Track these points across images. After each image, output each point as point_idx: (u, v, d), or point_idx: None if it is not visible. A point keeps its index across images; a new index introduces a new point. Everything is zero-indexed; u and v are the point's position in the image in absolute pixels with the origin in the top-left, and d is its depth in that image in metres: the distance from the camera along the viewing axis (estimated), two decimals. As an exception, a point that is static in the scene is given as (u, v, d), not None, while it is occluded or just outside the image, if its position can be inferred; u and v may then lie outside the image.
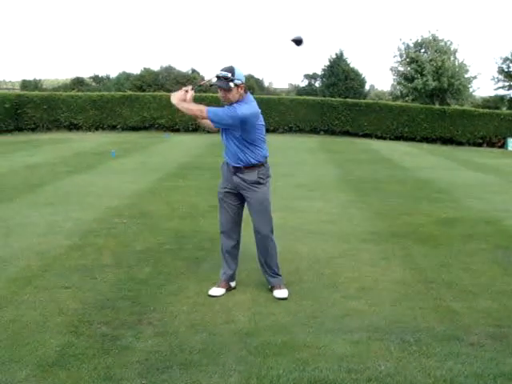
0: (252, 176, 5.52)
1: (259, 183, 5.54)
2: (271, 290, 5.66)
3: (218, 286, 5.65)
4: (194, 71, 63.20)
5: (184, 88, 5.48)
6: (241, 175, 5.52)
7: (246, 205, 5.71)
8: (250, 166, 5.49)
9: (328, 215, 9.45)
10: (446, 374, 4.04)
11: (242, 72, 5.32)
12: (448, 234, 8.30)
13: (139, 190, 11.46)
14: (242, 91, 5.33)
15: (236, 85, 5.26)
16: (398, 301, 5.51)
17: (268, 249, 5.67)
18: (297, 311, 5.19)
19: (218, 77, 5.28)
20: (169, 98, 5.52)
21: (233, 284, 5.76)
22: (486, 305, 5.45)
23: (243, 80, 5.32)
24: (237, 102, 5.32)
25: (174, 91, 5.51)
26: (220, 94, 5.37)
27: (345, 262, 6.82)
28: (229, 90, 5.26)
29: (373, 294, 5.71)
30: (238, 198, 5.67)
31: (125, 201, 10.22)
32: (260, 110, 5.50)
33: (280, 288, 5.62)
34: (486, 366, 4.17)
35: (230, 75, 5.22)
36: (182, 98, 5.41)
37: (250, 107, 5.34)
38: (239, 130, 5.33)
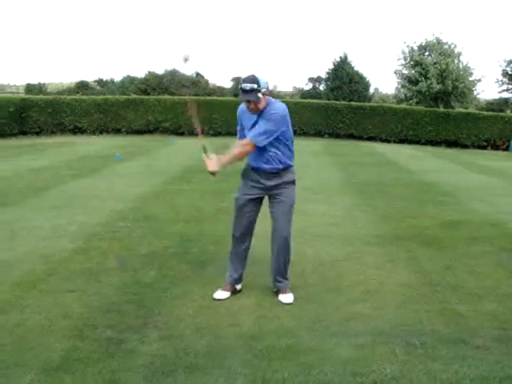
0: (290, 176, 5.60)
1: (294, 183, 5.63)
2: (276, 293, 5.65)
3: (224, 290, 5.64)
4: (198, 74, 63.26)
5: (206, 158, 5.52)
6: (279, 177, 5.53)
7: (270, 207, 5.65)
8: (288, 167, 5.55)
9: (333, 218, 9.44)
10: (452, 377, 4.03)
11: (263, 78, 5.31)
12: (453, 237, 8.29)
13: (144, 194, 11.47)
14: (266, 96, 5.34)
15: (263, 94, 5.26)
16: (403, 304, 5.50)
17: (288, 251, 5.69)
18: (302, 315, 5.19)
19: (245, 90, 5.23)
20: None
21: (238, 287, 5.75)
22: (491, 307, 5.44)
23: (267, 86, 5.31)
24: (265, 107, 5.33)
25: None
26: (250, 107, 5.32)
27: (349, 264, 6.81)
28: (258, 101, 5.25)
29: (378, 297, 5.70)
30: (258, 204, 5.67)
31: (129, 204, 10.23)
32: None
33: (286, 292, 5.61)
34: (492, 368, 4.17)
35: (256, 86, 5.19)
36: (216, 162, 5.46)
37: (280, 104, 5.45)
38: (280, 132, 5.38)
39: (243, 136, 5.51)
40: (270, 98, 5.43)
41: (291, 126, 5.54)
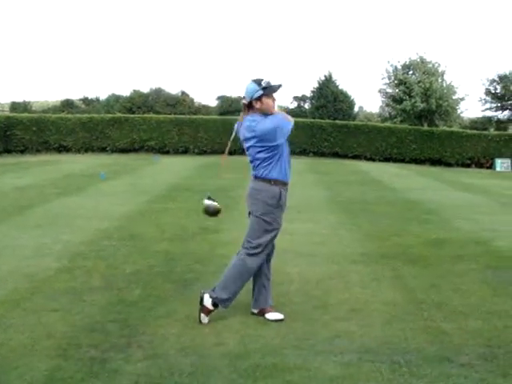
0: None
1: None
2: (260, 313, 5.60)
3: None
4: (183, 93, 63.33)
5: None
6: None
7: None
8: None
9: (317, 236, 9.45)
10: (437, 395, 4.03)
11: None
12: (437, 255, 8.31)
13: (129, 212, 11.44)
14: None
15: None
16: (388, 322, 5.50)
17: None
18: (287, 333, 5.17)
19: (270, 85, 5.26)
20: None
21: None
22: (476, 325, 5.44)
23: None
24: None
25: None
26: (273, 104, 5.32)
27: (335, 283, 6.81)
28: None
29: (363, 315, 5.69)
30: None
31: (114, 223, 10.19)
32: None
33: (272, 311, 5.57)
34: (477, 387, 4.17)
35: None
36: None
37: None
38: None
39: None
40: None
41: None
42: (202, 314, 5.37)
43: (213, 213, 5.68)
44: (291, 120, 5.41)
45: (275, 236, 5.48)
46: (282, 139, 5.28)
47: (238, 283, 5.41)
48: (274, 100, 5.31)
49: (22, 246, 8.22)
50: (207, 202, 5.63)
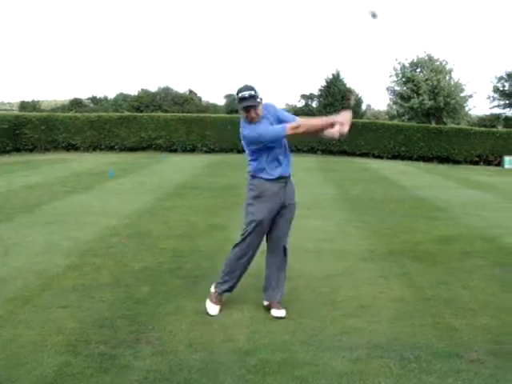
0: (293, 183, 5.73)
1: None
2: (268, 307, 5.63)
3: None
4: (191, 92, 63.45)
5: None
6: (291, 184, 5.65)
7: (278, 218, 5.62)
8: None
9: (325, 234, 9.44)
10: (446, 390, 4.03)
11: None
12: (446, 252, 8.30)
13: (137, 210, 11.45)
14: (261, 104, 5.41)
15: (261, 99, 5.34)
16: (396, 318, 5.50)
17: (287, 261, 5.79)
18: (295, 329, 5.18)
19: (243, 98, 5.26)
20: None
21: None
22: (485, 321, 5.44)
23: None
24: (263, 114, 5.42)
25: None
26: (251, 116, 5.33)
27: (343, 280, 6.81)
28: (258, 105, 5.31)
29: (371, 311, 5.69)
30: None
31: (123, 220, 10.21)
32: None
33: (279, 308, 5.58)
34: (486, 382, 4.17)
35: (253, 92, 5.26)
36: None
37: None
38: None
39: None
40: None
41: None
42: (209, 302, 5.58)
43: None
44: (276, 131, 5.38)
45: (255, 227, 5.50)
46: (253, 147, 5.44)
47: (228, 268, 5.64)
48: (253, 112, 5.33)
49: (32, 244, 8.25)
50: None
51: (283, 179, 5.53)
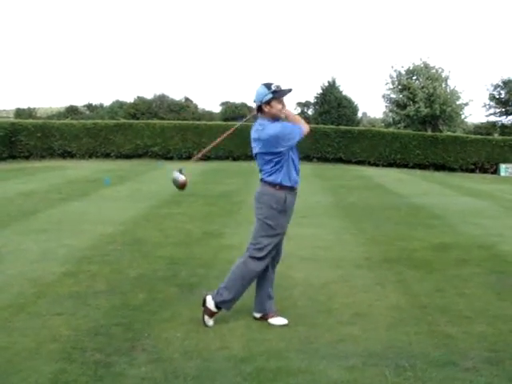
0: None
1: None
2: (263, 318, 5.60)
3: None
4: (187, 99, 63.48)
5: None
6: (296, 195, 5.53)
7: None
8: None
9: (321, 241, 9.44)
10: (442, 398, 4.02)
11: None
12: (442, 259, 8.30)
13: (133, 217, 11.44)
14: None
15: None
16: (392, 326, 5.49)
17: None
18: (291, 337, 5.17)
19: (279, 89, 5.22)
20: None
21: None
22: (481, 329, 5.43)
23: None
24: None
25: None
26: (282, 108, 5.31)
27: (339, 287, 6.80)
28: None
29: (367, 319, 5.69)
30: None
31: (119, 228, 10.20)
32: None
33: (277, 315, 5.57)
34: (482, 390, 4.16)
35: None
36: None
37: None
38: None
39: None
40: None
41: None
42: (206, 316, 5.39)
43: (178, 186, 5.67)
44: (304, 126, 5.36)
45: (279, 241, 5.46)
46: (285, 147, 5.22)
47: (240, 286, 5.41)
48: (283, 105, 5.29)
49: (27, 251, 8.23)
50: (176, 174, 5.65)
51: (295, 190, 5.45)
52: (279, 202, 5.29)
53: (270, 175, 5.30)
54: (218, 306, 5.39)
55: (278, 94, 5.22)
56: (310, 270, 7.54)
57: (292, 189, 5.37)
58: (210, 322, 5.39)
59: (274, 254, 5.54)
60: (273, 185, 5.30)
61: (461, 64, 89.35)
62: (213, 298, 5.38)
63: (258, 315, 5.63)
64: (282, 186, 5.29)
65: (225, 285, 5.41)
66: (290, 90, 5.28)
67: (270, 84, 5.23)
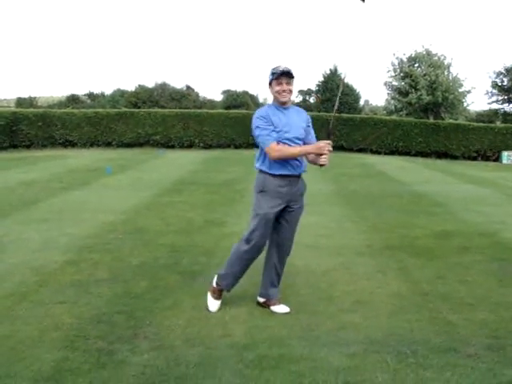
0: (303, 181, 5.64)
1: None
2: (265, 304, 5.62)
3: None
4: (188, 88, 63.39)
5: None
6: (302, 182, 5.60)
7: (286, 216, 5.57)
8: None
9: (323, 229, 9.45)
10: (443, 385, 4.03)
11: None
12: (444, 247, 8.30)
13: (134, 206, 11.45)
14: None
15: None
16: (393, 313, 5.50)
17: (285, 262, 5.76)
18: (293, 324, 5.18)
19: (287, 72, 5.19)
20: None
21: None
22: (482, 316, 5.44)
23: None
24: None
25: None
26: (286, 92, 5.28)
27: (340, 275, 6.81)
28: (292, 88, 5.34)
29: (369, 306, 5.70)
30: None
31: (120, 216, 10.20)
32: None
33: (279, 303, 5.58)
34: (484, 377, 4.17)
35: (292, 72, 5.25)
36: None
37: None
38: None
39: (280, 137, 5.25)
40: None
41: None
42: (210, 297, 5.55)
43: None
44: (272, 152, 5.19)
45: (262, 223, 5.34)
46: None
47: (235, 267, 5.48)
48: (285, 84, 5.23)
49: (29, 240, 8.24)
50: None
51: (287, 178, 5.36)
52: (258, 184, 5.40)
53: (257, 161, 5.44)
54: (218, 284, 5.57)
55: (275, 76, 5.24)
56: (311, 258, 7.54)
57: (273, 176, 5.31)
58: (214, 306, 5.50)
59: (274, 240, 5.60)
60: (258, 170, 5.44)
61: (463, 51, 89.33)
62: (216, 276, 5.64)
63: (261, 300, 5.68)
64: (261, 171, 5.39)
65: (224, 266, 5.60)
66: (283, 71, 5.20)
67: (276, 67, 5.27)
